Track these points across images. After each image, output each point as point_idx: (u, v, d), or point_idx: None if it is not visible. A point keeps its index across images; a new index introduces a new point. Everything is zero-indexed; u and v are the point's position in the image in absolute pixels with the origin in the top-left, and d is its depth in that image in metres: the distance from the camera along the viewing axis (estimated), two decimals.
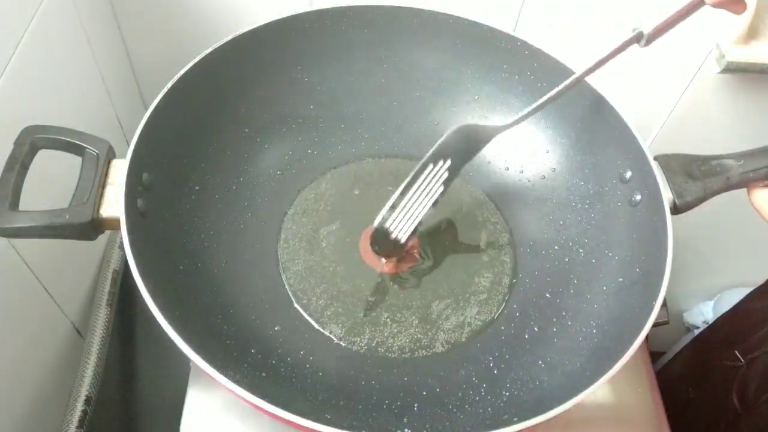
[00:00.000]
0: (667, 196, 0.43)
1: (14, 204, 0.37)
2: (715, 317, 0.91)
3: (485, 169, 0.53)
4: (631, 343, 0.36)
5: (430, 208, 0.47)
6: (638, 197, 0.44)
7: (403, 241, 0.47)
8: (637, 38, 0.44)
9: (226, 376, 0.34)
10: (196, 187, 0.48)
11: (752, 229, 0.84)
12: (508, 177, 0.53)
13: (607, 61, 0.44)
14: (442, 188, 0.46)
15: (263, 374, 0.40)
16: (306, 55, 0.52)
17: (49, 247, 0.49)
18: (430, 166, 0.46)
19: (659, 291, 0.38)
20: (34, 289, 0.48)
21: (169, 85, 0.44)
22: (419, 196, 0.46)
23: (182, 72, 0.45)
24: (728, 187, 0.44)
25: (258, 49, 0.49)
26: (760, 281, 0.90)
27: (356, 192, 0.52)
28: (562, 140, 0.51)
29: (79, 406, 0.50)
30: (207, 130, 0.49)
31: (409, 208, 0.46)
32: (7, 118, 0.43)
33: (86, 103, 0.56)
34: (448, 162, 0.46)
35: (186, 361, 0.48)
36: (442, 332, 0.46)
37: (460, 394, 0.41)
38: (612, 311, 0.42)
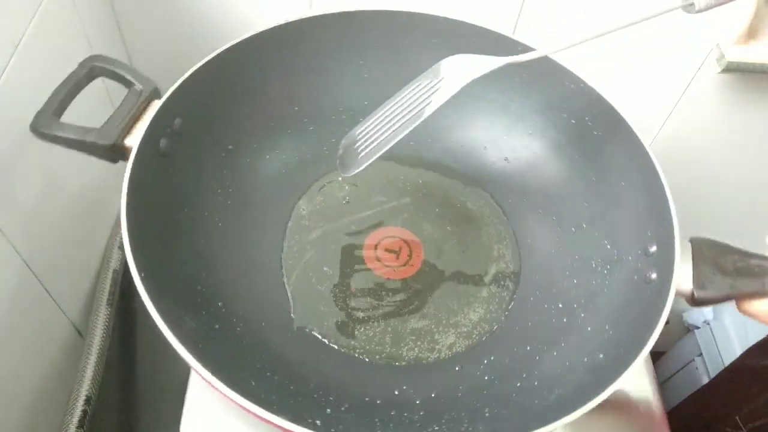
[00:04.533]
0: (686, 283, 0.39)
1: (58, 113, 0.41)
2: (715, 317, 0.91)
3: (518, 207, 0.53)
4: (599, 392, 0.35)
5: (406, 124, 0.40)
6: (653, 276, 0.41)
7: (361, 155, 0.41)
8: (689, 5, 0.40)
9: (202, 364, 0.34)
10: (230, 146, 0.49)
11: (752, 229, 0.84)
12: (539, 219, 0.51)
13: (641, 21, 0.40)
14: (425, 105, 0.40)
15: (254, 368, 0.41)
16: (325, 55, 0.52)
17: (49, 247, 0.49)
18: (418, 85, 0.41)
19: (622, 372, 0.36)
20: (34, 289, 0.48)
21: (223, 48, 0.47)
22: (398, 111, 0.41)
23: (234, 42, 0.47)
24: (762, 294, 0.39)
25: (282, 45, 0.50)
26: None
27: (370, 196, 0.53)
28: (601, 196, 0.49)
29: (79, 406, 0.50)
30: (247, 100, 0.50)
31: (384, 119, 0.41)
32: (7, 118, 0.43)
33: (86, 103, 0.56)
34: (440, 81, 0.41)
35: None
36: (439, 343, 0.46)
37: (452, 415, 0.41)
38: (584, 381, 0.40)
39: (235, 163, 0.50)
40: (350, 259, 0.49)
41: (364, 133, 0.42)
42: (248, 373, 0.40)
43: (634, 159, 0.46)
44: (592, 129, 0.49)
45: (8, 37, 0.43)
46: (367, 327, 0.46)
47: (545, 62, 0.48)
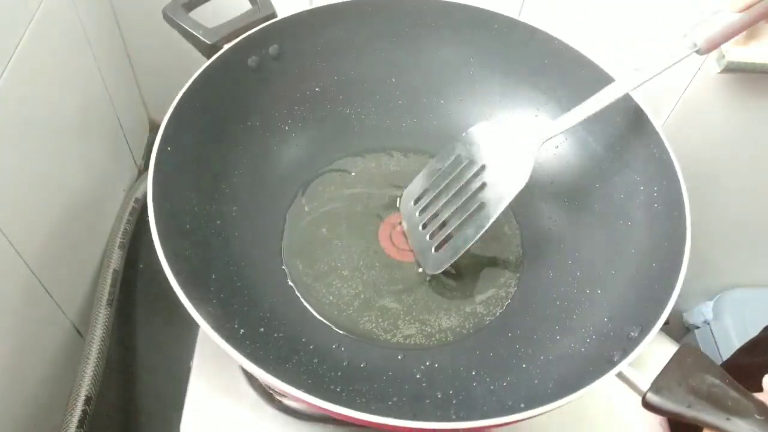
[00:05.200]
0: (645, 381, 0.35)
1: (187, 8, 0.48)
2: (715, 317, 0.91)
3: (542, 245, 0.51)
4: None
5: (471, 231, 0.45)
6: (615, 357, 0.37)
7: (436, 254, 0.46)
8: (694, 50, 0.43)
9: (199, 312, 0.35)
10: (317, 89, 0.53)
11: (752, 229, 0.84)
12: (558, 269, 0.49)
13: (660, 73, 0.43)
14: (483, 205, 0.45)
15: (260, 328, 0.42)
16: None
17: (49, 247, 0.49)
18: (454, 161, 0.46)
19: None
20: (34, 289, 0.48)
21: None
22: (454, 195, 0.46)
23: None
24: (719, 430, 0.34)
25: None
26: (760, 281, 0.90)
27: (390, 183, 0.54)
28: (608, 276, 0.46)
29: (79, 406, 0.50)
30: (340, 57, 0.53)
31: (441, 200, 0.47)
32: (7, 118, 0.43)
33: (86, 103, 0.56)
34: (485, 171, 0.45)
35: (187, 360, 0.48)
36: (399, 329, 0.46)
37: (362, 387, 0.41)
38: None
39: (307, 106, 0.53)
40: (366, 224, 0.50)
41: (424, 208, 0.48)
42: (207, 279, 0.42)
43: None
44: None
45: (8, 37, 0.43)
46: (345, 285, 0.47)
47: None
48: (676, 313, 0.96)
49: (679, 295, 0.39)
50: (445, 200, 0.47)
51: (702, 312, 0.93)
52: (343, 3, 0.51)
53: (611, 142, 0.49)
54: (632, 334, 0.38)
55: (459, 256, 0.45)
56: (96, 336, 0.53)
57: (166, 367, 0.56)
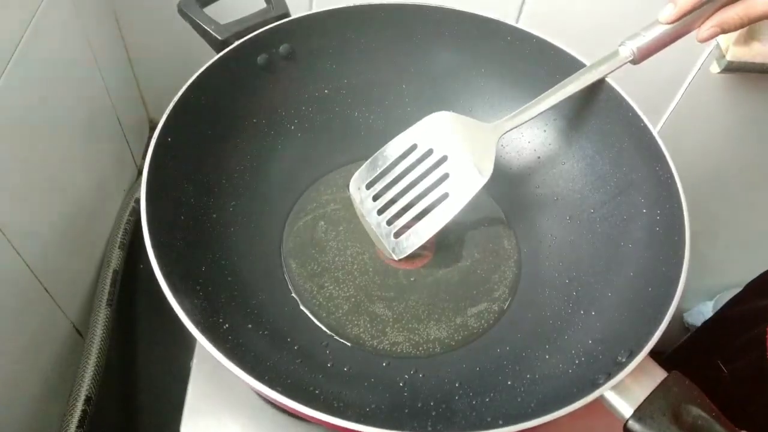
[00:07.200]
0: (628, 407, 0.35)
1: (202, 3, 0.49)
2: None
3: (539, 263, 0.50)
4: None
5: (437, 214, 0.46)
6: (601, 381, 0.36)
7: (397, 240, 0.47)
8: (629, 60, 0.45)
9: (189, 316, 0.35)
10: (326, 90, 0.53)
11: (752, 229, 0.84)
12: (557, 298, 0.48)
13: (598, 78, 0.46)
14: (449, 193, 0.45)
15: (247, 326, 0.42)
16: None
17: (49, 247, 0.49)
18: (411, 148, 0.46)
19: None
20: (34, 289, 0.48)
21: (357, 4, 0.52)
22: (411, 182, 0.46)
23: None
24: None
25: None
26: None
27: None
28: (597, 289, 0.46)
29: (79, 406, 0.50)
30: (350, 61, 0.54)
31: (397, 185, 0.47)
32: (7, 118, 0.43)
33: (86, 104, 0.56)
34: (447, 161, 0.46)
35: (187, 360, 0.48)
36: (387, 335, 0.45)
37: (344, 392, 0.41)
38: None
39: (315, 107, 0.53)
40: (363, 228, 0.50)
41: (378, 194, 0.48)
42: (195, 267, 0.42)
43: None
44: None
45: (8, 37, 0.43)
46: (337, 287, 0.47)
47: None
48: (676, 313, 0.96)
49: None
50: (404, 186, 0.47)
51: (702, 312, 0.94)
52: (356, 7, 0.51)
53: (618, 162, 0.48)
54: (620, 358, 0.37)
55: (422, 244, 0.47)
56: (96, 336, 0.53)
57: (166, 367, 0.56)
